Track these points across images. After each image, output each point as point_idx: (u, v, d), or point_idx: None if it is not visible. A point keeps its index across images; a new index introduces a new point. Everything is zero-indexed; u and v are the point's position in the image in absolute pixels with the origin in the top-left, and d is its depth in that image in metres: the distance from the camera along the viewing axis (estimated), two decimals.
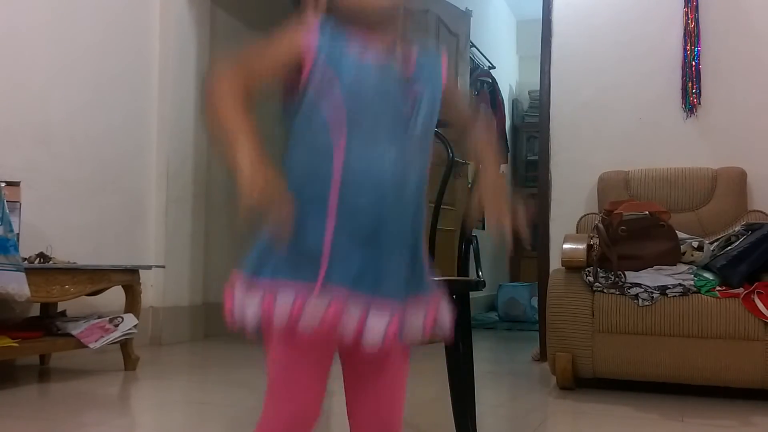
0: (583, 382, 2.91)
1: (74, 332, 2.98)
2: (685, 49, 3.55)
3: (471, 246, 1.92)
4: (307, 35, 0.94)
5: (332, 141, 0.93)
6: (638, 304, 2.74)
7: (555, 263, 3.29)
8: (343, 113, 0.93)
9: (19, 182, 2.92)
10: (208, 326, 4.50)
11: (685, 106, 3.55)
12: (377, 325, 0.90)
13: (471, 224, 1.62)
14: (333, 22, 0.97)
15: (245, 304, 0.91)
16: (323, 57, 0.94)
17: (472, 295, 1.93)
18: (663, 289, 2.74)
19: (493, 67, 6.51)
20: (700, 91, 3.52)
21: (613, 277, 2.79)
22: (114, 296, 3.31)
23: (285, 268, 0.91)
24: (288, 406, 0.96)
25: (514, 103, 7.72)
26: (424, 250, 1.02)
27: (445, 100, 1.04)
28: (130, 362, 3.16)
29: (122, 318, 3.16)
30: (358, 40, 0.97)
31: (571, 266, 2.89)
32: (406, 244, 0.96)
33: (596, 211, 3.35)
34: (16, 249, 2.58)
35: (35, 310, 3.26)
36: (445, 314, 1.01)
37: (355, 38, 0.97)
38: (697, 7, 3.53)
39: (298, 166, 0.95)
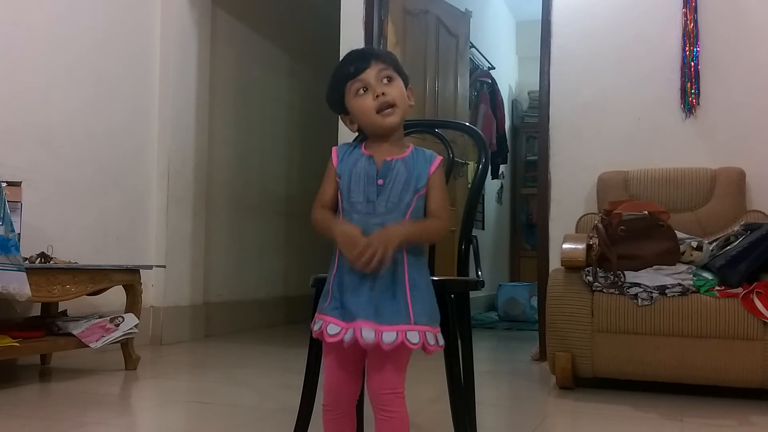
0: (582, 382, 2.92)
1: (75, 332, 2.99)
2: (684, 50, 3.56)
3: (471, 246, 1.93)
4: (334, 161, 1.49)
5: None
6: (637, 304, 2.75)
7: (554, 263, 3.30)
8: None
9: (21, 182, 2.93)
10: (209, 326, 4.51)
11: (684, 107, 3.56)
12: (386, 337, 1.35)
13: None
14: (357, 139, 1.57)
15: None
16: (342, 168, 1.48)
17: (472, 294, 1.93)
18: (662, 289, 2.75)
19: (493, 68, 6.51)
20: (699, 92, 3.53)
21: (612, 277, 2.80)
22: (115, 296, 3.32)
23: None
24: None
25: (514, 103, 7.72)
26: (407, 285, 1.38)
27: (427, 188, 1.45)
28: (130, 362, 3.17)
29: (123, 318, 3.16)
30: (371, 146, 1.47)
31: (571, 266, 2.89)
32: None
33: (595, 211, 3.35)
34: (18, 249, 2.58)
35: (36, 310, 3.27)
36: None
37: (369, 146, 1.47)
38: (696, 7, 3.54)
39: None
